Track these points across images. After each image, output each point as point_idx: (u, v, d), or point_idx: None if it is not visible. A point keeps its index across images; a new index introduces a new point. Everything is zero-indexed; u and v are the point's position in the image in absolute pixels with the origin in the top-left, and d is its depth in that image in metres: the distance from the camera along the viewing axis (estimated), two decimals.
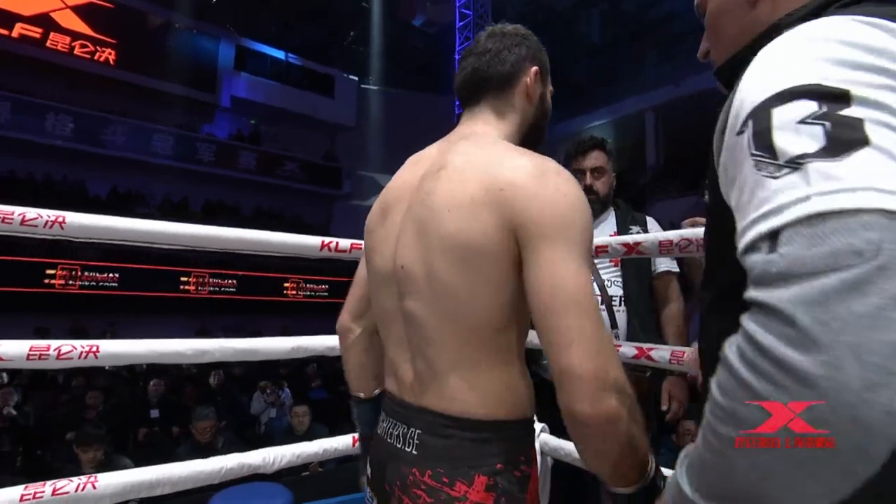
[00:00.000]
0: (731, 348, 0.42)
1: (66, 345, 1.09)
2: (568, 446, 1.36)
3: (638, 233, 1.73)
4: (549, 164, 0.71)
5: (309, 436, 3.82)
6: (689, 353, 1.27)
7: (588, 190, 1.78)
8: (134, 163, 11.65)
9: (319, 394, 6.31)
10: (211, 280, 10.75)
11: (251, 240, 1.28)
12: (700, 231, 1.07)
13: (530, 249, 0.66)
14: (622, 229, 1.77)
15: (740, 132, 0.46)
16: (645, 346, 1.25)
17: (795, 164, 0.41)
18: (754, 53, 0.53)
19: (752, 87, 0.47)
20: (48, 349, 1.07)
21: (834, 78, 0.42)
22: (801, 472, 0.39)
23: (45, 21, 11.23)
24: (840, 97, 0.41)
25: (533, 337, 1.64)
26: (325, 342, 1.38)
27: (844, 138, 0.40)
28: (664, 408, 1.71)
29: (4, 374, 5.99)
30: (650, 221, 1.80)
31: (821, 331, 0.35)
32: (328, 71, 15.46)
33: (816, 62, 0.44)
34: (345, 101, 15.60)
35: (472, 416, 0.71)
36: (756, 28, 0.60)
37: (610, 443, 0.61)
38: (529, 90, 0.84)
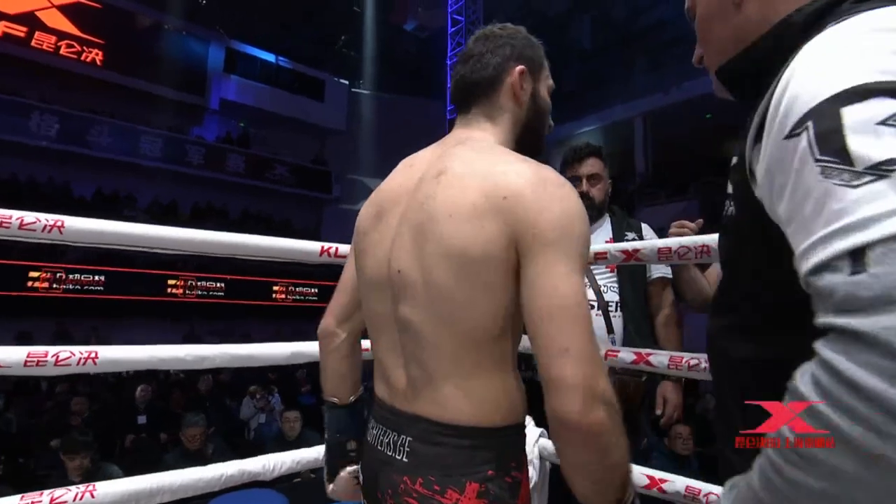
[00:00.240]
0: (803, 380, 0.37)
1: (65, 351, 1.08)
2: None
3: (633, 239, 1.75)
4: (548, 173, 0.72)
5: (300, 441, 3.79)
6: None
7: (584, 196, 1.80)
8: (121, 164, 11.50)
9: (309, 399, 6.26)
10: (198, 284, 10.63)
11: (252, 245, 1.27)
12: (699, 239, 1.09)
13: (529, 257, 0.67)
14: (618, 236, 1.79)
15: (792, 135, 0.41)
16: (643, 351, 1.26)
17: (880, 171, 0.35)
18: (773, 52, 0.51)
19: (807, 84, 0.42)
20: (46, 355, 1.06)
21: None
22: None
23: (30, 20, 11.07)
24: None
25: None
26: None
27: None
28: (658, 412, 1.73)
29: None
30: (645, 228, 1.83)
31: None
32: (318, 74, 15.43)
33: (893, 56, 0.39)
34: (335, 105, 15.57)
35: (463, 424, 0.71)
36: (751, 27, 0.57)
37: (593, 454, 0.61)
38: (515, 90, 0.83)
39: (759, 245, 0.49)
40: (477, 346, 0.71)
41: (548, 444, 1.44)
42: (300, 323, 11.13)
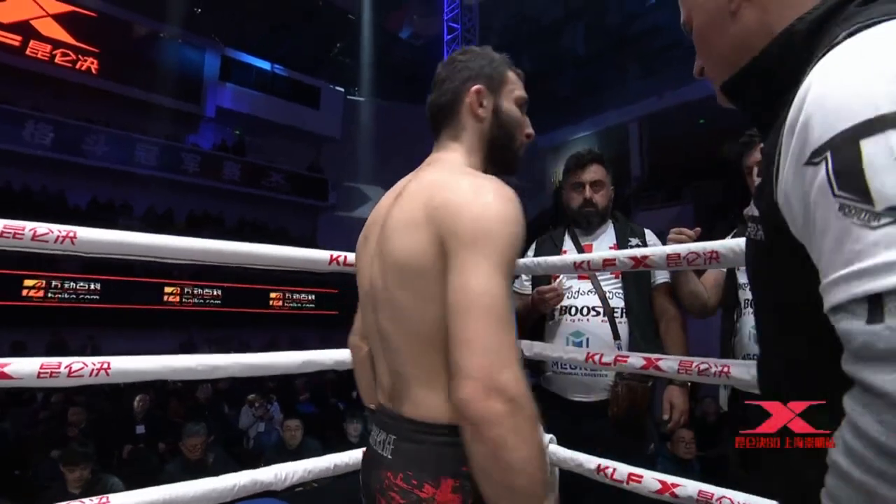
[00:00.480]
0: (838, 449, 0.36)
1: (77, 362, 1.07)
2: (577, 457, 1.38)
3: (637, 245, 1.77)
4: (489, 184, 0.75)
5: (302, 450, 3.78)
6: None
7: (588, 203, 1.83)
8: (116, 173, 11.46)
9: (308, 407, 6.23)
10: (195, 292, 10.57)
11: (264, 255, 1.28)
12: (708, 245, 1.11)
13: (450, 258, 0.70)
14: (621, 242, 1.81)
15: (811, 163, 0.40)
16: (653, 356, 1.27)
17: None
18: (779, 63, 0.50)
19: (826, 109, 0.40)
20: (59, 367, 1.05)
21: None
22: None
23: (24, 29, 11.04)
24: None
25: (543, 348, 1.65)
26: (333, 356, 1.38)
27: None
28: (665, 417, 1.74)
29: None
30: (648, 234, 1.85)
31: None
32: (314, 82, 15.44)
33: None
34: (330, 113, 15.58)
35: (437, 421, 0.74)
36: (751, 37, 0.56)
37: (482, 446, 0.62)
38: (474, 109, 0.89)
39: (793, 269, 0.47)
40: (436, 350, 0.73)
41: (558, 450, 1.45)
42: (297, 331, 11.09)
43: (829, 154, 0.38)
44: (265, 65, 14.74)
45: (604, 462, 1.31)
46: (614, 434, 1.61)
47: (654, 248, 1.26)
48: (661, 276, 1.79)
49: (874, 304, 0.33)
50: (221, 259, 1.23)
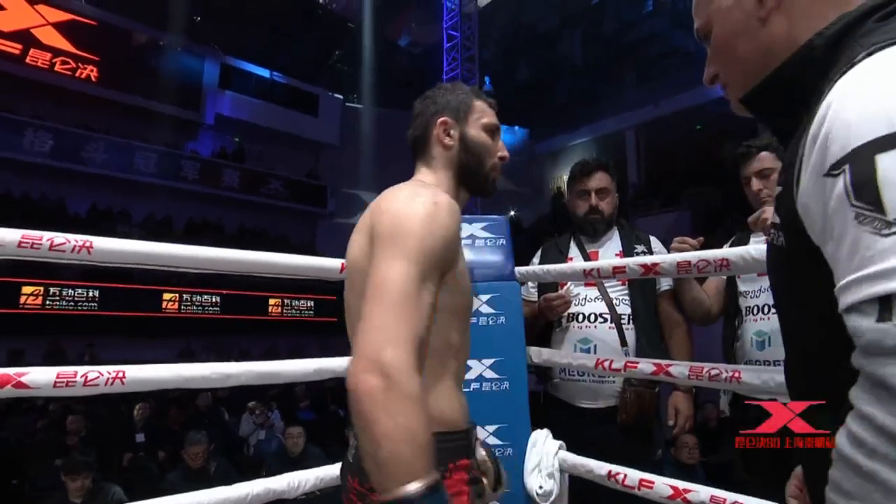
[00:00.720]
0: (844, 441, 0.38)
1: (93, 371, 1.08)
2: (587, 463, 1.38)
3: (643, 252, 1.79)
4: (424, 191, 0.82)
5: (304, 457, 3.76)
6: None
7: (593, 210, 1.84)
8: (115, 180, 11.45)
9: (308, 414, 6.20)
10: (194, 299, 10.53)
11: (277, 264, 1.29)
12: (719, 253, 1.12)
13: (372, 255, 0.77)
14: (627, 249, 1.82)
15: (831, 174, 0.43)
16: (663, 362, 1.28)
17: None
18: (800, 76, 0.52)
19: (845, 123, 0.43)
20: (75, 376, 1.06)
21: None
22: None
23: (24, 37, 11.07)
24: None
25: (552, 354, 1.66)
26: (345, 364, 1.39)
27: None
28: (671, 422, 1.75)
29: None
30: (654, 241, 1.86)
31: None
32: (312, 89, 15.50)
33: None
34: (329, 120, 15.64)
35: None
36: (778, 46, 0.57)
37: (357, 419, 0.64)
38: (441, 140, 0.98)
39: (810, 271, 0.50)
40: None
41: (568, 456, 1.45)
42: (297, 338, 11.05)
43: (847, 167, 0.41)
44: (264, 72, 14.80)
45: (615, 468, 1.32)
46: (622, 440, 1.62)
47: (665, 256, 1.27)
48: (666, 283, 1.81)
49: (884, 305, 0.36)
50: (236, 268, 1.24)
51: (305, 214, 14.80)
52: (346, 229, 0.98)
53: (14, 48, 10.87)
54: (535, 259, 1.93)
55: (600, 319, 1.72)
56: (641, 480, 1.25)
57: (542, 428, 1.56)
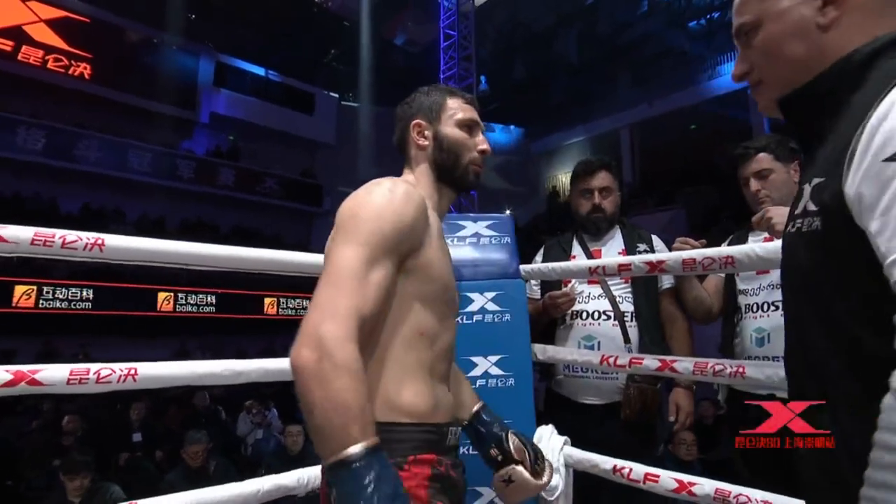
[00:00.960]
0: (890, 409, 0.44)
1: (106, 368, 1.08)
2: (593, 458, 1.40)
3: (645, 251, 1.81)
4: (385, 182, 0.87)
5: (304, 455, 3.76)
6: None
7: (596, 209, 1.86)
8: (109, 179, 11.36)
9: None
10: (189, 299, 10.48)
11: (290, 262, 1.30)
12: (724, 250, 1.14)
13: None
14: (630, 247, 1.84)
15: (891, 159, 0.48)
16: (668, 358, 1.30)
17: None
18: (838, 83, 0.57)
19: None
20: (88, 373, 1.06)
21: None
22: None
23: (16, 34, 10.95)
24: None
25: (557, 351, 1.67)
26: None
27: None
28: (672, 419, 1.77)
29: None
30: (655, 240, 1.88)
31: None
32: (308, 88, 15.46)
33: None
34: (325, 118, 15.60)
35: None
36: (829, 54, 0.61)
37: (296, 388, 0.68)
38: (416, 142, 1.03)
39: (849, 257, 0.54)
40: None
41: (573, 451, 1.47)
42: (293, 336, 10.99)
43: None
44: (259, 70, 14.74)
45: (620, 462, 1.33)
46: (625, 436, 1.64)
47: (670, 254, 1.29)
48: (667, 282, 1.83)
49: None
50: (251, 266, 1.26)
51: (301, 213, 14.76)
52: None
53: (6, 45, 10.76)
54: (538, 257, 1.95)
55: (604, 317, 1.74)
56: (647, 474, 1.26)
57: (545, 424, 1.58)
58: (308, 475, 1.28)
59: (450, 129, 1.01)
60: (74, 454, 3.21)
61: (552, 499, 1.44)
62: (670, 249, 1.54)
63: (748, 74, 0.71)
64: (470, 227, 1.71)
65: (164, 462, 4.51)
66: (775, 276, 1.47)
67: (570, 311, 1.76)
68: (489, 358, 1.56)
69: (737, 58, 0.73)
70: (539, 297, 1.85)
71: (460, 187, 1.03)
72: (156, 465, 4.42)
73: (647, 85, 13.62)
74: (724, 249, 1.14)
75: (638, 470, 1.29)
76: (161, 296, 10.16)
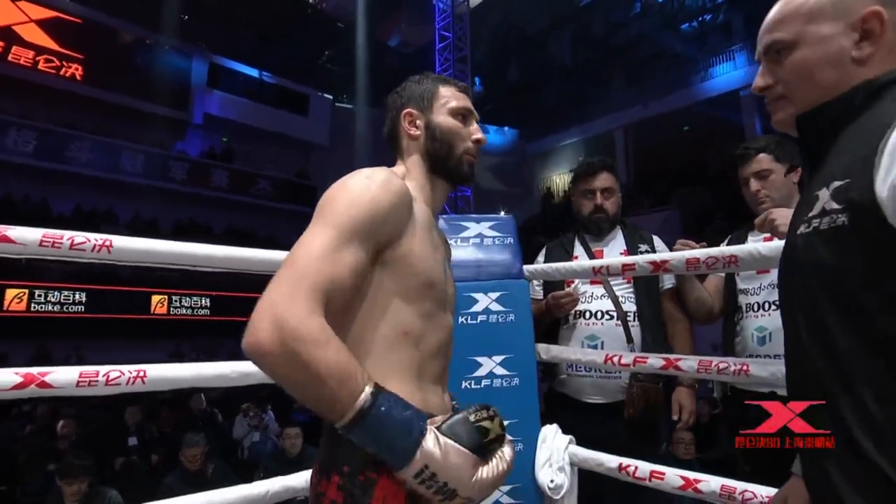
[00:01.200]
0: None
1: (115, 370, 1.08)
2: (598, 457, 1.41)
3: (647, 251, 1.82)
4: (365, 171, 0.84)
5: (302, 458, 3.74)
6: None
7: (598, 209, 1.87)
8: (101, 181, 11.29)
9: (301, 416, 6.17)
10: (183, 301, 10.42)
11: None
12: (727, 250, 1.15)
13: None
14: (631, 247, 1.85)
15: None
16: (672, 357, 1.32)
17: None
18: (848, 106, 0.61)
19: None
20: (97, 375, 1.06)
21: None
22: None
23: (6, 34, 10.87)
24: None
25: (560, 351, 1.68)
26: None
27: None
28: (675, 417, 1.79)
29: None
30: (656, 240, 1.90)
31: None
32: (302, 89, 15.44)
33: None
34: (318, 120, 15.59)
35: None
36: (853, 85, 0.65)
37: (276, 373, 0.68)
38: (408, 132, 0.99)
39: (878, 251, 0.56)
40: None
41: (577, 450, 1.48)
42: None
43: None
44: (253, 72, 14.70)
45: (625, 461, 1.35)
46: (628, 435, 1.65)
47: (674, 254, 1.31)
48: (669, 282, 1.84)
49: None
50: (260, 267, 1.26)
51: (295, 214, 14.68)
52: None
53: None
54: (540, 258, 1.96)
55: (607, 316, 1.75)
56: (652, 472, 1.28)
57: (550, 423, 1.59)
58: None
59: (442, 118, 0.97)
60: (71, 458, 3.18)
61: (558, 498, 1.45)
62: (671, 251, 1.56)
63: (771, 88, 0.72)
64: (473, 227, 1.72)
65: (161, 465, 4.48)
66: (776, 275, 1.49)
67: (573, 311, 1.77)
68: (494, 358, 1.57)
69: (760, 70, 0.74)
70: (541, 297, 1.85)
71: (454, 179, 0.99)
72: (152, 469, 4.39)
73: (640, 86, 13.71)
74: (728, 249, 1.16)
75: (644, 468, 1.30)
76: (155, 298, 10.10)
